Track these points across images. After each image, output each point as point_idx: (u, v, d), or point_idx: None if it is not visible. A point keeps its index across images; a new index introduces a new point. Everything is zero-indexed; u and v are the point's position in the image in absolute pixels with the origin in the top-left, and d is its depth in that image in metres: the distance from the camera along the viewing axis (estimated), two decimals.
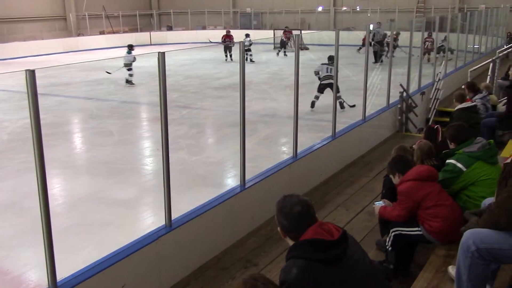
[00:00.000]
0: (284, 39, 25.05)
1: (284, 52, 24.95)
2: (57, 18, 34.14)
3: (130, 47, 16.91)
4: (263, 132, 10.26)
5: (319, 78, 11.77)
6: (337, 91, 10.54)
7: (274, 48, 27.89)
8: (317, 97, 11.70)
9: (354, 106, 11.24)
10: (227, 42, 24.10)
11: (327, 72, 11.52)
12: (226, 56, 23.20)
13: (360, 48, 23.72)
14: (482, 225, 2.92)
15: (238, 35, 24.44)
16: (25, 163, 8.06)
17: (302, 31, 28.53)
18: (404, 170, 4.08)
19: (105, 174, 8.09)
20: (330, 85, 11.09)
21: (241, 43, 5.20)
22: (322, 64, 11.81)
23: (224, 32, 26.91)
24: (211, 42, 28.79)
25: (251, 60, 21.50)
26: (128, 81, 16.74)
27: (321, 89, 11.68)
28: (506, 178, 2.82)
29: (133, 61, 16.50)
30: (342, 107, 11.19)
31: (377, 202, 4.45)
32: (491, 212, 2.90)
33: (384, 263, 4.14)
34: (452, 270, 3.47)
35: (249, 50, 21.77)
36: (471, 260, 2.83)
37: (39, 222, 3.43)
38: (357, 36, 24.16)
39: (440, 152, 4.76)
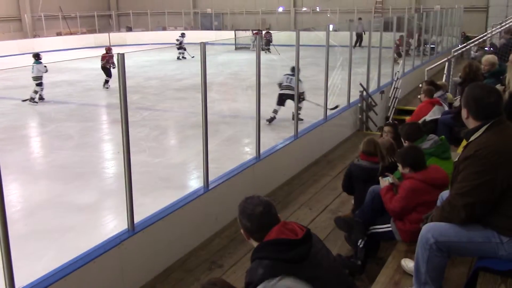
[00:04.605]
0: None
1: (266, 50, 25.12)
2: (11, 19, 33.15)
3: (37, 56, 14.25)
4: (225, 133, 10.25)
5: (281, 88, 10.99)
6: (298, 101, 10.41)
7: (236, 49, 27.84)
8: (275, 111, 10.92)
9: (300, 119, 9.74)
10: (109, 63, 16.21)
11: (286, 82, 10.86)
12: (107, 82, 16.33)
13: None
14: (436, 221, 2.99)
15: (199, 36, 24.20)
16: None
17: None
18: (416, 167, 3.91)
19: (64, 178, 7.91)
20: (290, 97, 10.54)
21: (202, 44, 5.15)
22: (285, 74, 11.11)
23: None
24: None
25: (182, 57, 23.89)
26: (32, 99, 13.87)
27: (281, 101, 10.90)
28: (456, 175, 2.90)
29: (45, 72, 14.22)
30: (299, 119, 8.85)
31: (384, 178, 4.20)
32: (443, 209, 2.98)
33: (351, 259, 4.21)
34: (405, 263, 3.55)
35: (182, 48, 23.78)
36: (430, 253, 2.89)
37: None
38: (317, 36, 24.41)
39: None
